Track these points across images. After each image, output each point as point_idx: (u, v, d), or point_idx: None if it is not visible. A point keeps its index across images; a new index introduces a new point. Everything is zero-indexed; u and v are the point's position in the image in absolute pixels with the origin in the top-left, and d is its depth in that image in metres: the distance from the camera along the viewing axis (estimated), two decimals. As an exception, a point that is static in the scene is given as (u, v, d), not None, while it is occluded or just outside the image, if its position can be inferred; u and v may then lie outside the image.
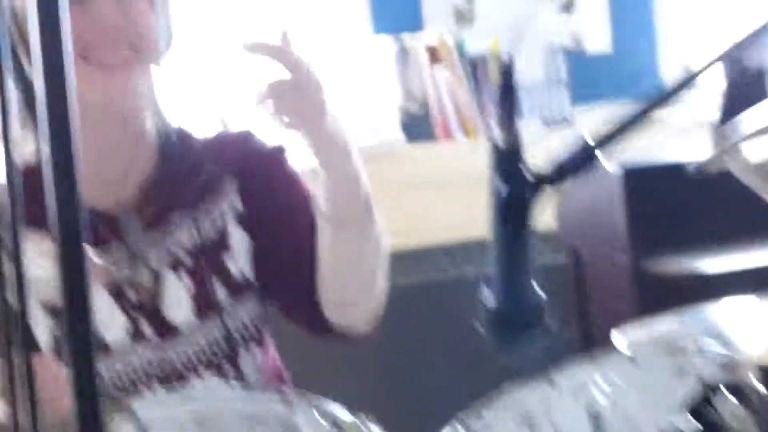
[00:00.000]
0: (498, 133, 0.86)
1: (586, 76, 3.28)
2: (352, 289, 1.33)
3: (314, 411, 0.92)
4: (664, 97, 0.91)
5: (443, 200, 2.98)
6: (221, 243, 1.35)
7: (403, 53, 3.01)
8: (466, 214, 2.63)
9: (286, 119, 1.19)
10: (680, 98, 0.94)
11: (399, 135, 2.96)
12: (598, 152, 0.86)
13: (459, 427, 0.97)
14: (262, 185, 1.37)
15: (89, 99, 1.16)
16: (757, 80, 2.39)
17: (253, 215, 1.36)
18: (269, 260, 1.37)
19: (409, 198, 2.89)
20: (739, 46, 0.91)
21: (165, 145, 1.33)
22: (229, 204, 1.35)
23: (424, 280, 2.89)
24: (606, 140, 0.86)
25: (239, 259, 1.35)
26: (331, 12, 3.15)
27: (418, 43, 3.01)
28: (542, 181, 0.87)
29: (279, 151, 1.38)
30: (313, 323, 1.36)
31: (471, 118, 3.05)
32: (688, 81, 0.92)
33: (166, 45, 1.27)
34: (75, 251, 0.49)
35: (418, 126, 3.04)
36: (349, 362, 2.34)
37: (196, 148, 1.36)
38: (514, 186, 0.87)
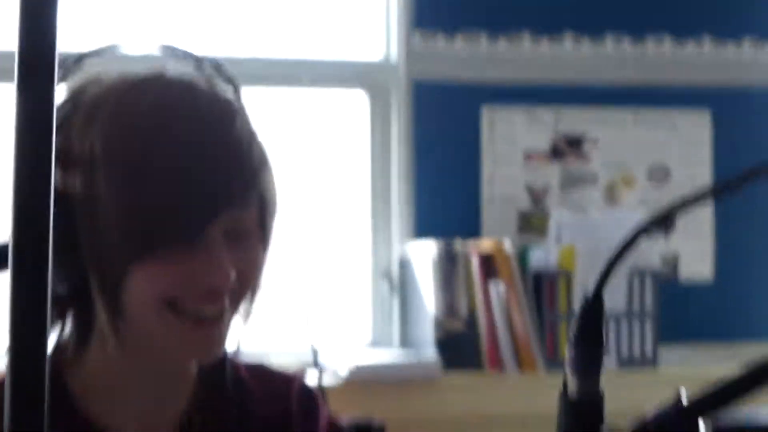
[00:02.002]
0: (571, 380, 0.84)
1: (679, 309, 3.05)
2: None
3: None
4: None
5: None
6: None
7: (449, 259, 2.77)
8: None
9: None
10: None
11: (435, 359, 2.71)
12: (698, 420, 0.80)
13: None
14: None
15: (167, 351, 1.22)
16: None
17: None
18: None
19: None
20: None
21: (206, 375, 1.26)
22: None
23: None
24: (711, 402, 0.79)
25: None
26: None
27: (470, 249, 2.77)
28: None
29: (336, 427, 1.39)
30: None
31: (529, 347, 2.73)
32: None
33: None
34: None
35: (465, 350, 2.77)
36: None
37: (243, 382, 1.31)
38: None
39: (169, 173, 1.08)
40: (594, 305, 0.81)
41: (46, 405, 0.45)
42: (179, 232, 1.08)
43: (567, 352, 0.82)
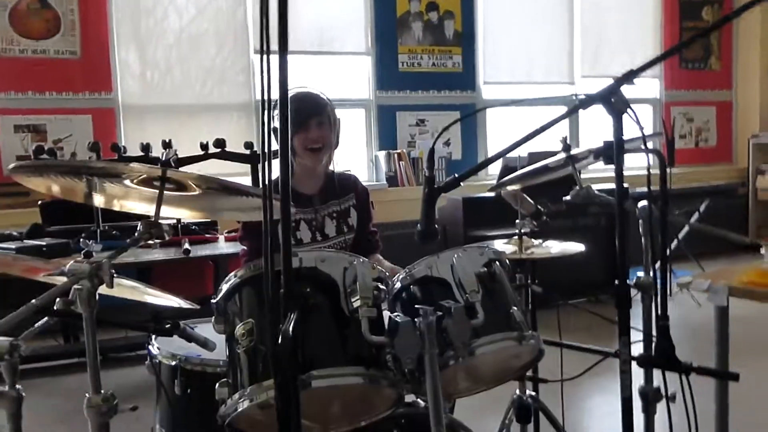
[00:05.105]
0: (428, 174, 1.54)
1: (451, 168, 6.80)
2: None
3: (362, 259, 1.53)
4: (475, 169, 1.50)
5: (404, 205, 5.87)
6: (347, 213, 2.43)
7: (390, 156, 6.59)
8: (412, 208, 5.20)
9: None
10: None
11: (385, 183, 6.55)
12: (460, 183, 1.52)
13: (407, 268, 1.69)
14: (363, 202, 2.49)
15: (306, 163, 2.38)
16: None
17: (358, 208, 2.49)
18: (358, 224, 2.50)
19: (393, 205, 5.91)
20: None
21: (327, 175, 2.48)
22: (352, 203, 2.47)
23: (403, 230, 5.42)
24: (460, 179, 1.51)
25: (353, 220, 2.47)
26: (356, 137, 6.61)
27: (395, 152, 6.59)
28: (441, 190, 1.49)
29: (367, 193, 2.56)
30: (367, 247, 2.49)
31: (412, 179, 6.58)
32: (487, 162, 1.54)
33: (335, 145, 2.44)
34: (287, 206, 0.98)
35: (393, 180, 6.50)
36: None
37: (339, 178, 2.47)
38: (431, 191, 1.49)
39: (303, 109, 2.38)
40: (430, 159, 1.55)
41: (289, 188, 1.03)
42: (304, 123, 2.38)
43: (425, 172, 1.62)
